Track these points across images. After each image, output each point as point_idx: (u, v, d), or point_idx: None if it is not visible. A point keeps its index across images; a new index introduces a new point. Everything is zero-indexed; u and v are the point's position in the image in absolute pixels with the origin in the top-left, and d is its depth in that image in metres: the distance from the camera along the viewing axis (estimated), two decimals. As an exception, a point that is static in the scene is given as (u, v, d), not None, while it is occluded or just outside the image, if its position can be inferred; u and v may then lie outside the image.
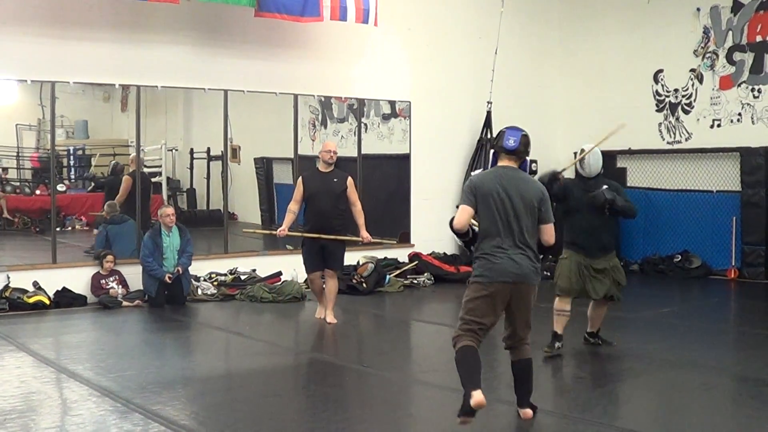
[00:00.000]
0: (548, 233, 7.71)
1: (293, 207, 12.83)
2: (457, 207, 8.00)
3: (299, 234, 12.89)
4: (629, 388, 9.38)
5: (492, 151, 8.10)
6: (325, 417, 7.89)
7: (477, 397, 7.14)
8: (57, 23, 14.23)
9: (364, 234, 13.03)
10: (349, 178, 12.99)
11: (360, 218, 13.02)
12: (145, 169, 16.76)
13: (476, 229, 7.72)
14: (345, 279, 14.90)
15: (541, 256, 7.81)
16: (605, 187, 10.38)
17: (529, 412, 7.72)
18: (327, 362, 10.52)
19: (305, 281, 15.69)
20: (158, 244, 14.44)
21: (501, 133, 7.93)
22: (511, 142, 7.79)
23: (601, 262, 10.39)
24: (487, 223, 7.62)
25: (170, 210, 14.68)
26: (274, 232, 13.15)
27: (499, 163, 7.86)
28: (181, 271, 14.42)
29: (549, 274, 17.70)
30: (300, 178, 13.01)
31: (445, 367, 10.29)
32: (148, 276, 14.31)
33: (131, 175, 16.07)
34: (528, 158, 7.96)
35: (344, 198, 12.82)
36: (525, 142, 7.81)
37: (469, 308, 7.56)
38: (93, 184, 19.23)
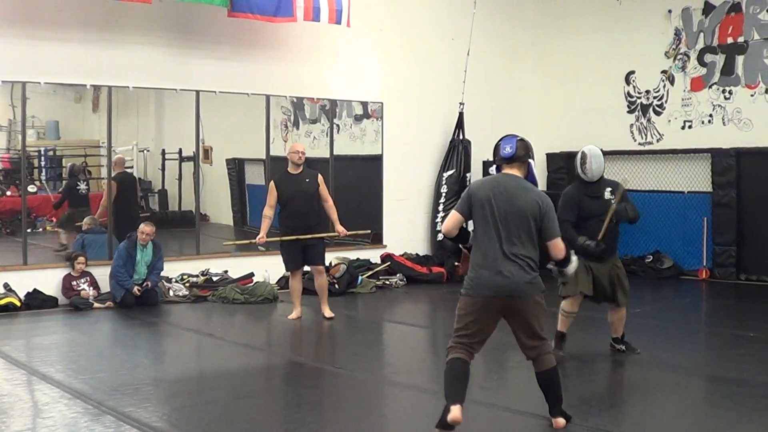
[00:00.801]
0: (556, 249, 7.50)
1: (268, 212, 12.93)
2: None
3: (277, 239, 12.93)
4: (600, 389, 9.42)
5: (495, 166, 7.85)
6: (299, 418, 7.88)
7: (454, 413, 7.11)
8: (28, 23, 14.16)
9: (339, 228, 13.26)
10: (319, 176, 13.20)
11: (333, 213, 13.23)
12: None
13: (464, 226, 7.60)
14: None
15: (550, 266, 7.78)
16: (608, 189, 10.29)
17: (561, 421, 7.61)
18: (300, 363, 10.51)
19: (277, 282, 15.75)
20: (132, 255, 14.45)
21: (497, 146, 7.71)
22: (507, 149, 7.59)
23: (606, 266, 10.26)
24: (479, 232, 7.47)
25: (148, 229, 14.62)
26: (253, 241, 13.18)
27: (503, 170, 7.65)
28: (150, 286, 14.45)
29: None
30: (272, 183, 13.07)
31: (417, 368, 10.36)
32: (115, 283, 14.31)
33: (115, 179, 16.03)
34: (533, 163, 7.70)
35: (317, 196, 12.98)
36: (523, 146, 7.59)
37: (459, 321, 7.49)
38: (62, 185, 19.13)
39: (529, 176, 7.66)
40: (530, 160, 7.67)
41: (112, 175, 15.69)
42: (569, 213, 10.16)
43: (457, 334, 7.46)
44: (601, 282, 10.21)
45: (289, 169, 13.08)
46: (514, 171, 7.57)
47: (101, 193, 16.12)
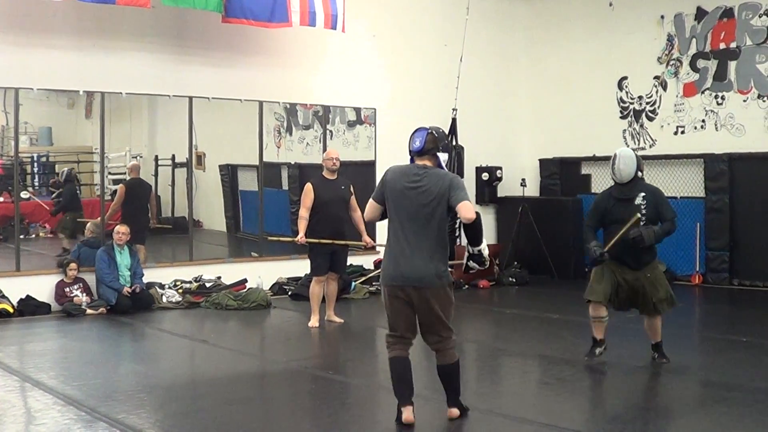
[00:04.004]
0: (464, 209, 7.35)
1: (304, 213, 13.02)
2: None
3: (316, 241, 12.95)
4: (593, 393, 9.42)
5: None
6: (292, 424, 7.87)
7: (406, 415, 7.48)
8: (21, 29, 14.15)
9: (367, 238, 13.49)
10: (351, 185, 13.40)
11: (361, 224, 13.36)
12: (110, 176, 16.63)
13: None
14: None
15: (470, 249, 7.65)
16: (642, 195, 10.02)
17: (455, 411, 7.78)
18: (293, 369, 10.49)
19: (270, 288, 15.74)
20: (113, 257, 14.51)
21: (410, 138, 7.84)
22: (417, 143, 7.71)
23: (636, 273, 10.07)
24: (391, 222, 7.63)
25: (124, 228, 14.72)
26: (295, 239, 13.21)
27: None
28: (138, 290, 14.50)
29: (514, 280, 17.88)
30: (309, 185, 13.19)
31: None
32: (105, 287, 14.32)
33: (126, 184, 16.07)
34: (443, 155, 7.72)
35: (349, 204, 13.23)
36: (432, 139, 7.67)
37: (387, 316, 7.70)
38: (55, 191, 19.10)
39: (440, 166, 7.73)
40: (440, 153, 7.70)
41: (126, 179, 15.76)
42: (591, 218, 10.37)
43: (390, 331, 7.70)
44: (624, 289, 10.08)
45: (324, 174, 13.28)
46: (425, 161, 7.68)
47: (95, 199, 16.09)
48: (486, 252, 7.70)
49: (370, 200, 7.78)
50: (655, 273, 10.20)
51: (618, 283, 10.02)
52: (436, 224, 7.45)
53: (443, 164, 7.70)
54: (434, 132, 7.72)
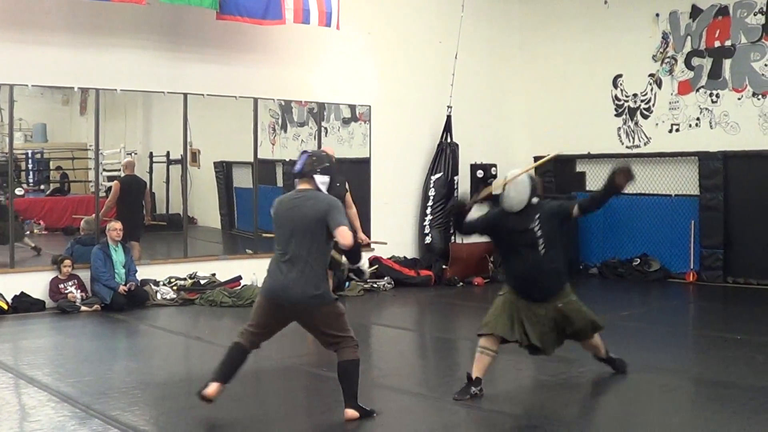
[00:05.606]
0: (340, 235, 7.46)
1: None
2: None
3: None
4: (588, 391, 9.42)
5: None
6: (286, 421, 7.88)
7: (209, 389, 7.89)
8: (15, 26, 14.12)
9: (362, 236, 13.64)
10: (346, 182, 13.41)
11: (356, 221, 13.45)
12: (105, 173, 16.65)
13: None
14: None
15: (348, 270, 7.79)
16: (537, 216, 8.70)
17: (352, 413, 7.81)
18: (287, 366, 10.49)
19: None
20: (108, 255, 14.49)
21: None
22: (297, 165, 7.89)
23: (546, 306, 8.80)
24: (276, 242, 7.80)
25: (118, 225, 14.74)
26: None
27: (297, 187, 7.93)
28: (133, 288, 14.48)
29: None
30: None
31: (405, 371, 10.36)
32: (100, 284, 14.31)
33: (121, 180, 16.07)
34: (321, 177, 7.78)
35: (344, 201, 13.09)
36: (309, 162, 7.82)
37: (252, 314, 7.95)
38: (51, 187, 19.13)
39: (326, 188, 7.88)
40: (317, 176, 7.79)
41: (121, 176, 15.76)
42: (477, 221, 9.12)
43: (249, 323, 7.95)
44: (536, 329, 8.79)
45: None
46: (304, 185, 7.83)
47: (90, 196, 16.09)
48: (365, 267, 8.00)
49: None
50: (567, 302, 8.93)
51: (524, 323, 8.75)
52: (315, 247, 7.59)
53: (321, 186, 7.80)
54: (314, 155, 7.93)
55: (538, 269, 8.70)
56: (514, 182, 8.70)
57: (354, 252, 7.74)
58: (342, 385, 7.85)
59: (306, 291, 7.53)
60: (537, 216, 8.70)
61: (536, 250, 8.67)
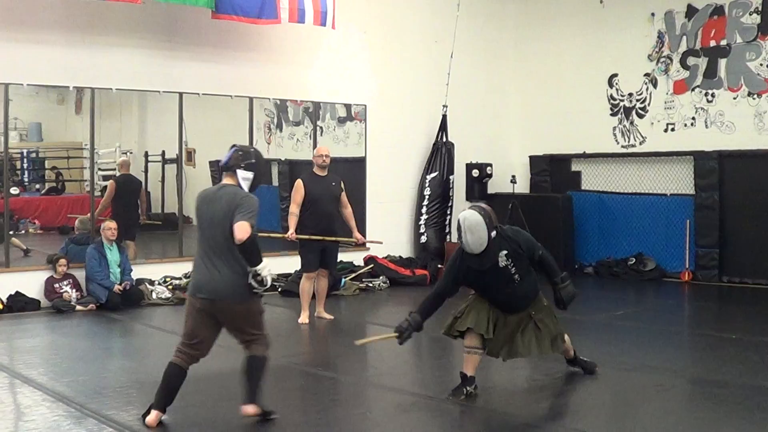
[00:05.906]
0: (236, 229, 7.32)
1: (295, 210, 13.02)
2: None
3: (306, 237, 12.97)
4: (583, 391, 9.42)
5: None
6: (281, 420, 7.87)
7: (150, 417, 7.67)
8: (10, 25, 14.10)
9: (358, 235, 13.70)
10: (342, 182, 13.41)
11: (351, 220, 13.56)
12: (100, 172, 16.62)
13: None
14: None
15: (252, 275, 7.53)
16: (503, 253, 8.55)
17: (248, 408, 7.78)
18: (282, 365, 10.48)
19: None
20: (104, 254, 14.49)
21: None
22: (224, 158, 7.85)
23: (520, 314, 8.86)
24: (198, 237, 7.81)
25: (113, 224, 14.72)
26: (285, 236, 13.15)
27: (222, 181, 7.89)
28: (128, 287, 14.49)
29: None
30: (299, 182, 13.19)
31: (400, 371, 10.36)
32: (96, 284, 14.30)
33: (116, 180, 16.05)
34: (244, 173, 7.75)
35: (340, 201, 13.32)
36: (235, 156, 7.77)
37: (184, 325, 7.84)
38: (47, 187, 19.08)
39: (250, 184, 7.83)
40: (240, 171, 7.76)
41: (116, 175, 15.76)
42: (447, 280, 9.00)
43: (181, 337, 7.87)
44: (504, 331, 8.83)
45: (315, 170, 13.29)
46: (228, 179, 7.81)
47: (85, 195, 16.07)
48: (265, 272, 7.54)
49: None
50: (538, 309, 8.98)
51: (497, 322, 8.80)
52: (232, 242, 7.45)
53: (242, 183, 7.75)
54: (240, 150, 7.87)
55: (514, 296, 8.76)
56: (469, 226, 8.42)
57: (246, 250, 7.40)
58: (246, 380, 7.81)
59: (227, 286, 7.51)
60: (504, 253, 8.59)
61: (512, 282, 8.68)
